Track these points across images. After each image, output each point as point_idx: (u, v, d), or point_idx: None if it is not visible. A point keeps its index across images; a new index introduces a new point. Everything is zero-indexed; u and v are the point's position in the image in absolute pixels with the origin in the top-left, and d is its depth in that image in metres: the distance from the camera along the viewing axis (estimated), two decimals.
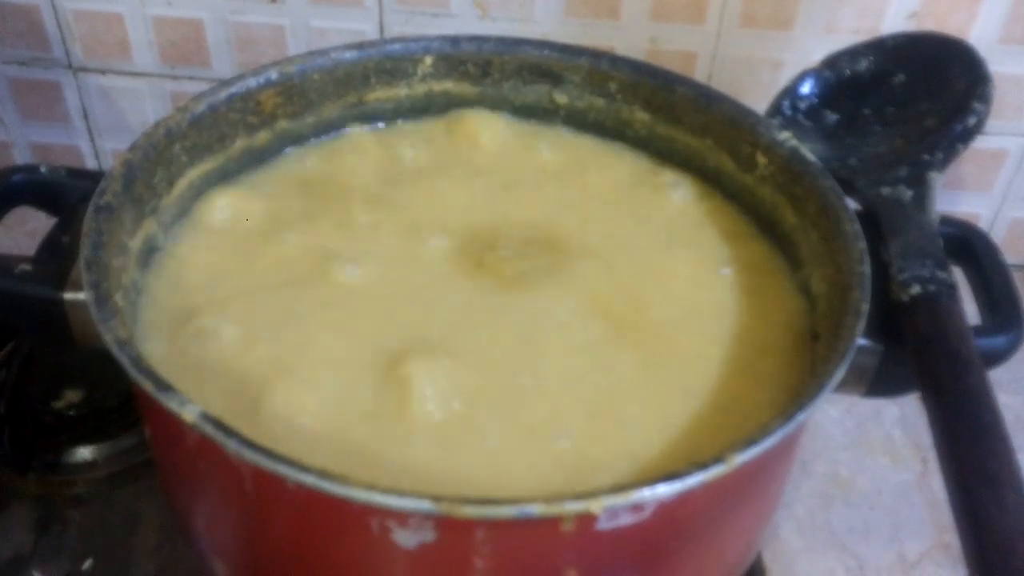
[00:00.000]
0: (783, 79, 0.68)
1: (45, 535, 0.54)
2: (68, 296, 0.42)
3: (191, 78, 0.73)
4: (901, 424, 0.65)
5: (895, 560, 0.57)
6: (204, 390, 0.39)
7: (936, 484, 0.61)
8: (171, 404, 0.33)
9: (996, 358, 0.42)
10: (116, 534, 0.54)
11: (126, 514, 0.55)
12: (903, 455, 0.63)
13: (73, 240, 0.43)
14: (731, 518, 0.38)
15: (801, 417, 0.35)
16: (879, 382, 0.43)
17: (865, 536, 0.58)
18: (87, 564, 0.53)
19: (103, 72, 0.73)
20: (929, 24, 0.66)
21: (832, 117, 0.53)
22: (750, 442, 0.33)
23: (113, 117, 0.75)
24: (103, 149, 0.77)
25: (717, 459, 0.32)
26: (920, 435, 0.65)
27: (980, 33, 0.66)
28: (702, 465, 0.32)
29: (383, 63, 0.55)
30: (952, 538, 0.58)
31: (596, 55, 0.55)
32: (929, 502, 0.60)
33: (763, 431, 0.34)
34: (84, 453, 0.58)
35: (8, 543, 0.53)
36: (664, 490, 0.32)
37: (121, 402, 0.60)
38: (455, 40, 0.55)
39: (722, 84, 0.68)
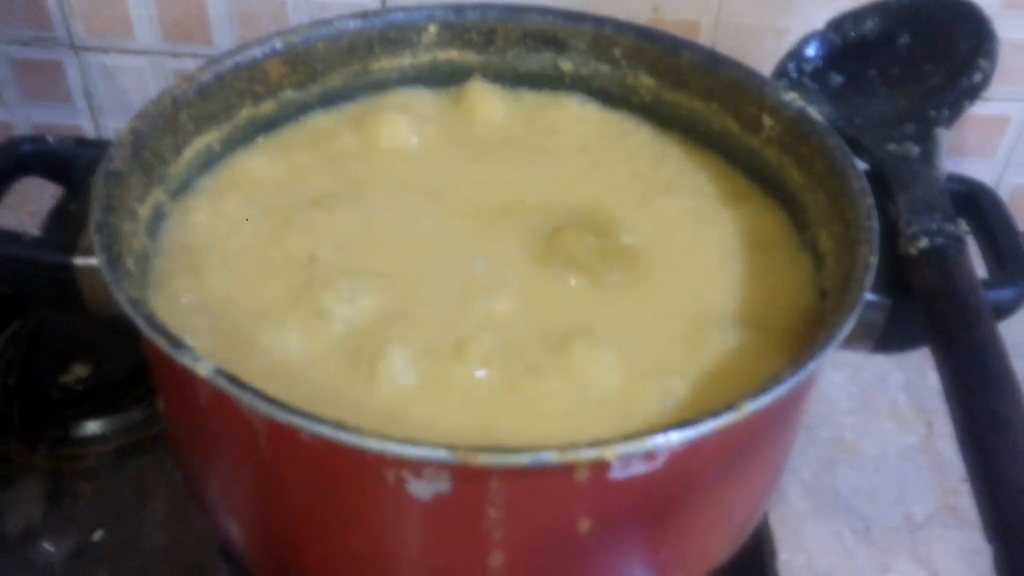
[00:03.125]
0: (787, 46, 0.68)
1: (55, 508, 0.54)
2: (79, 261, 0.42)
3: (193, 55, 0.72)
4: (905, 388, 0.66)
5: (902, 522, 0.57)
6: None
7: (941, 447, 0.62)
8: (185, 360, 0.33)
9: (1004, 311, 0.42)
10: (126, 506, 0.54)
11: (135, 486, 0.56)
12: (908, 418, 0.64)
13: (82, 208, 0.43)
14: (741, 472, 0.38)
15: (811, 367, 0.35)
16: (887, 337, 0.43)
17: (871, 498, 0.58)
18: (97, 536, 0.53)
19: (105, 51, 0.73)
20: None
21: (837, 79, 0.53)
22: (762, 390, 0.33)
23: (115, 96, 0.75)
24: (106, 128, 0.77)
25: (729, 407, 0.33)
26: (924, 399, 0.65)
27: None
28: (714, 413, 0.32)
29: (387, 32, 0.54)
30: (958, 500, 0.59)
31: (600, 21, 0.55)
32: (934, 464, 0.61)
33: (774, 380, 0.34)
34: (93, 427, 0.59)
35: (19, 516, 0.54)
36: (677, 437, 0.32)
37: (129, 375, 0.60)
38: (459, 8, 0.55)
39: (725, 52, 0.67)
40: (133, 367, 0.59)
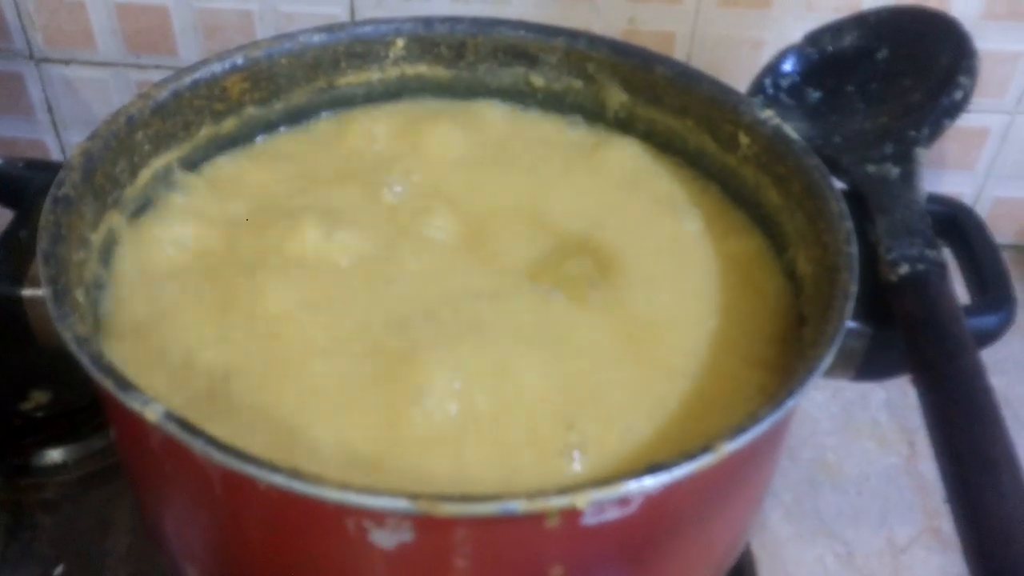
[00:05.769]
0: (763, 58, 0.67)
1: (14, 541, 0.52)
2: (27, 293, 0.40)
3: (157, 67, 0.70)
4: (887, 408, 0.65)
5: (884, 545, 0.56)
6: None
7: (924, 468, 0.61)
8: (133, 404, 0.32)
9: (987, 338, 0.41)
10: (88, 538, 0.53)
11: (98, 517, 0.54)
12: (889, 439, 0.63)
13: (32, 235, 0.41)
14: (720, 508, 0.37)
15: (791, 403, 0.33)
16: (868, 365, 0.42)
17: (854, 522, 0.57)
18: (58, 570, 0.51)
19: (66, 62, 0.71)
20: None
21: (815, 94, 0.51)
22: (739, 430, 0.32)
23: (78, 109, 0.73)
24: (69, 142, 0.75)
25: (705, 448, 0.31)
26: (906, 418, 0.64)
27: (962, 8, 0.65)
28: (690, 455, 0.31)
29: (353, 46, 0.53)
30: (941, 522, 0.58)
31: (573, 35, 0.53)
32: (917, 486, 0.60)
33: (752, 419, 0.32)
34: (53, 455, 0.57)
35: None
36: (651, 482, 0.30)
37: (91, 402, 0.58)
38: (428, 21, 0.54)
39: (701, 64, 0.66)
40: (95, 393, 0.57)
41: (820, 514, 0.58)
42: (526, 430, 0.37)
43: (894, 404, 0.65)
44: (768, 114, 0.48)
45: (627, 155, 0.53)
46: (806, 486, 0.59)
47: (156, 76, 0.71)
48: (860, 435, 0.63)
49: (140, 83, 0.71)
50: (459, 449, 0.37)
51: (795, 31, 0.66)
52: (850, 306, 0.37)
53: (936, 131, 0.46)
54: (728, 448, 0.31)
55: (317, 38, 0.52)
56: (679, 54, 0.68)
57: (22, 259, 0.41)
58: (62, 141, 0.75)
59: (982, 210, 0.75)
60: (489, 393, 0.38)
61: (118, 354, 0.40)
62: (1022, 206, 0.75)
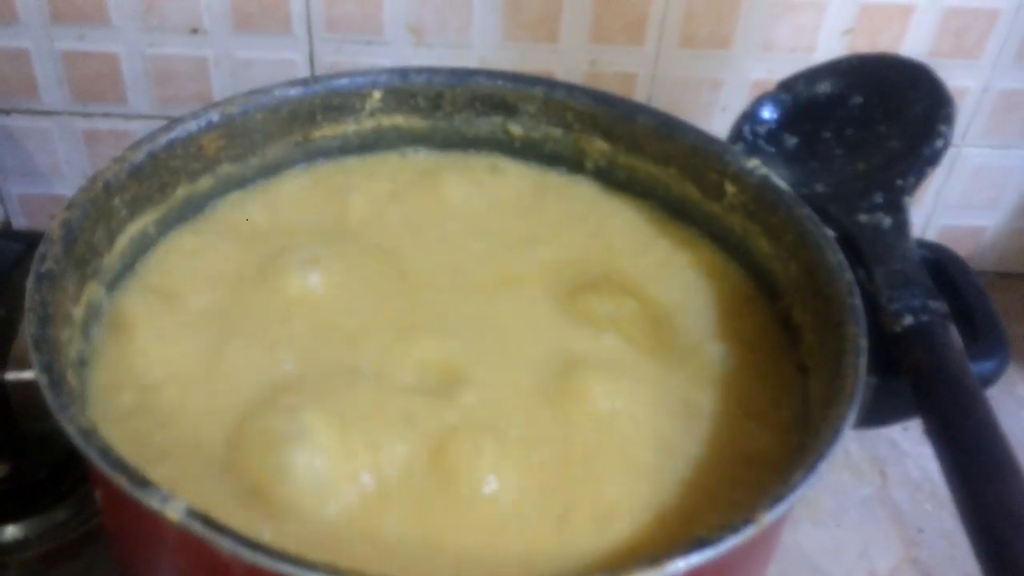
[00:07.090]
0: (722, 98, 0.68)
1: None
2: (11, 377, 0.38)
3: (105, 115, 0.68)
4: (856, 438, 0.66)
5: None
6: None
7: (897, 497, 0.62)
8: (151, 502, 0.30)
9: (985, 383, 0.41)
10: None
11: None
12: (862, 469, 0.64)
13: (10, 312, 0.39)
14: (746, 569, 0.37)
15: (821, 467, 0.34)
16: (870, 413, 0.42)
17: (836, 555, 0.58)
18: None
19: (8, 112, 0.67)
20: (863, 40, 0.67)
21: (792, 140, 0.52)
22: (777, 499, 0.32)
23: (20, 160, 0.70)
24: (9, 194, 0.71)
25: (747, 521, 0.31)
26: (876, 447, 0.65)
27: (910, 47, 0.67)
28: (734, 529, 0.31)
29: (329, 99, 0.52)
30: (918, 552, 0.59)
31: (551, 84, 0.53)
32: (892, 516, 0.61)
33: (787, 487, 0.33)
34: (13, 531, 0.54)
35: None
36: (697, 559, 0.30)
37: (52, 473, 0.55)
38: (404, 73, 0.53)
39: (662, 104, 0.67)
40: (56, 464, 0.55)
41: (802, 549, 0.58)
42: None
43: (863, 434, 0.66)
44: (755, 163, 0.48)
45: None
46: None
47: (103, 125, 0.68)
48: (833, 467, 0.63)
49: (86, 132, 0.69)
50: None
51: (753, 71, 0.67)
52: (864, 361, 0.37)
53: (920, 179, 0.47)
54: (768, 518, 0.31)
55: (293, 92, 0.50)
56: (640, 95, 0.69)
57: (2, 338, 0.39)
58: (2, 193, 0.71)
59: (930, 238, 0.78)
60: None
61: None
62: (968, 234, 0.78)
